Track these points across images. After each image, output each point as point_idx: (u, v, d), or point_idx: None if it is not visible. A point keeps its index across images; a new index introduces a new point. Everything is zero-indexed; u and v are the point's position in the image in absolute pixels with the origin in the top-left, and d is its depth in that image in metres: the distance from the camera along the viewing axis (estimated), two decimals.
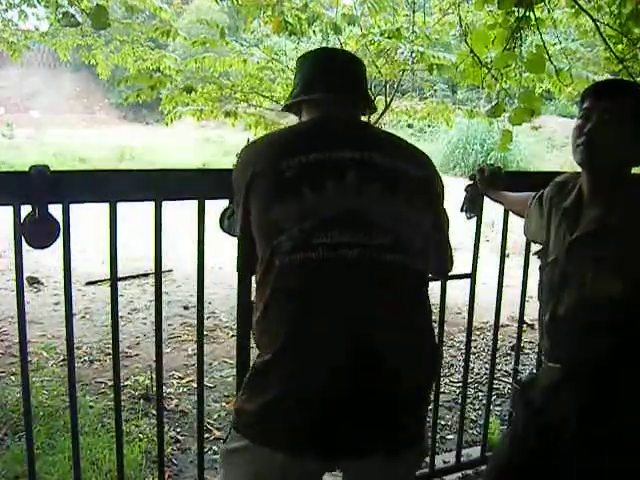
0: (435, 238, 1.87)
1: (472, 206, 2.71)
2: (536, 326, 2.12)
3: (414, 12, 6.46)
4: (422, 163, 1.84)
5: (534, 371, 2.18)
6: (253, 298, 1.77)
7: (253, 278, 1.84)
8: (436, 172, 1.87)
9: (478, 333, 6.00)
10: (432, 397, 1.83)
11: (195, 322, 2.47)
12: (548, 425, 1.95)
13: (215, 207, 2.25)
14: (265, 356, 1.64)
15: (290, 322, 1.61)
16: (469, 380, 4.23)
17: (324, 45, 7.09)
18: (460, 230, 2.98)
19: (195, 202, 2.22)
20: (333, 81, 1.86)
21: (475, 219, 2.76)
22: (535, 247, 2.76)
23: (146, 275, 7.52)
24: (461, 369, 4.66)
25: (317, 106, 1.87)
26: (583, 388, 1.88)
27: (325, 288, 1.62)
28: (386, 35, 6.39)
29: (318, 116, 1.87)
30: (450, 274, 2.41)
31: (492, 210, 2.88)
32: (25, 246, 1.97)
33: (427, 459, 3.22)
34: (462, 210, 2.71)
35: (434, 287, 2.71)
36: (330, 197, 1.65)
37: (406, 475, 1.86)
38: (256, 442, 1.63)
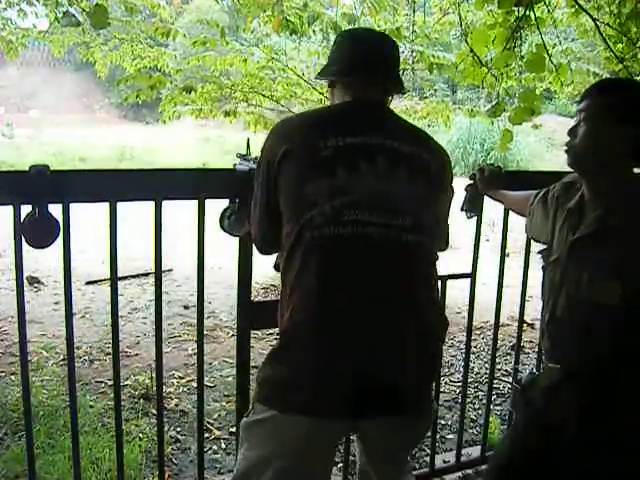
0: (443, 220, 2.04)
1: (472, 206, 2.71)
2: (536, 326, 2.13)
3: (414, 11, 6.45)
4: (439, 152, 1.98)
5: (534, 371, 2.18)
6: (280, 269, 1.87)
7: (275, 256, 1.97)
8: (449, 161, 2.02)
9: (478, 333, 6.00)
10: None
11: (195, 322, 2.47)
12: (548, 425, 1.95)
13: (215, 207, 2.25)
14: (290, 327, 1.75)
15: (316, 293, 1.72)
16: (469, 380, 4.23)
17: (326, 46, 7.07)
18: (460, 230, 2.98)
19: (195, 202, 2.22)
20: (368, 66, 1.94)
21: (475, 219, 2.76)
22: (535, 246, 2.77)
23: (146, 275, 7.52)
24: (461, 368, 4.66)
25: (350, 89, 1.96)
26: (583, 389, 1.88)
27: (351, 263, 1.74)
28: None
29: (351, 100, 1.95)
30: (450, 274, 2.43)
31: (492, 210, 2.88)
32: (25, 245, 1.97)
33: (427, 458, 3.23)
34: (462, 210, 2.71)
35: None
36: (361, 178, 1.77)
37: (417, 434, 2.03)
38: (283, 410, 1.73)
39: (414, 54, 6.31)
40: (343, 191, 1.74)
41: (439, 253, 1.99)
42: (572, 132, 1.87)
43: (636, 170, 1.89)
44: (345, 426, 1.90)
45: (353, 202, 1.74)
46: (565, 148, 1.89)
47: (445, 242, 2.11)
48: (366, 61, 1.95)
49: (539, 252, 2.18)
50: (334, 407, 1.70)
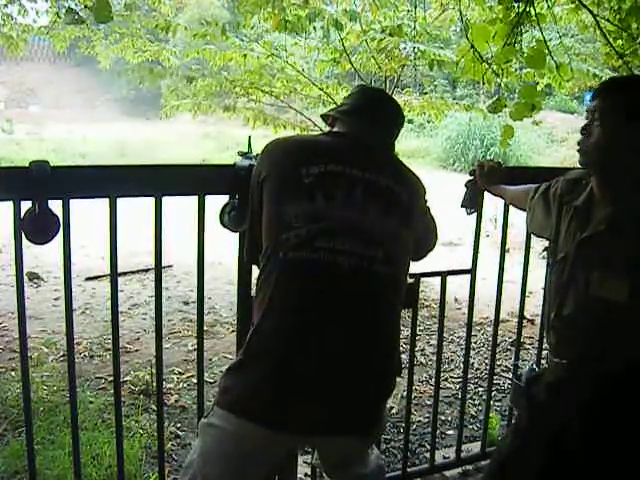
0: (421, 245, 2.20)
1: (472, 202, 2.70)
2: (536, 321, 2.12)
3: (415, 7, 6.44)
4: (414, 184, 2.10)
5: (534, 366, 2.18)
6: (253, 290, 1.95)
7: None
8: (422, 190, 2.14)
9: (478, 328, 6.00)
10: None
11: (195, 317, 2.47)
12: (551, 422, 1.95)
13: (215, 202, 2.25)
14: (255, 342, 1.82)
15: (285, 312, 1.81)
16: (469, 375, 4.23)
17: (326, 42, 7.06)
18: (460, 226, 2.98)
19: (195, 197, 2.22)
20: (371, 117, 2.09)
21: (475, 214, 2.76)
22: (535, 242, 2.78)
23: (146, 270, 7.51)
24: (461, 364, 4.66)
25: (346, 126, 2.10)
26: (587, 386, 1.87)
27: (320, 288, 1.81)
28: (387, 32, 6.38)
29: (343, 133, 2.09)
30: (450, 270, 2.45)
31: (492, 206, 2.88)
32: (25, 241, 1.97)
33: (427, 454, 3.23)
34: (462, 206, 2.71)
35: (435, 283, 2.71)
36: (338, 207, 1.85)
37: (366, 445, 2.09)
38: (239, 416, 1.78)
39: (415, 51, 6.30)
40: (320, 217, 1.83)
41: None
42: (585, 130, 1.86)
43: None
44: (296, 442, 2.04)
45: (328, 229, 1.82)
46: (578, 147, 1.88)
47: (425, 250, 2.28)
48: (369, 108, 2.11)
49: (544, 250, 2.18)
50: (289, 422, 1.76)
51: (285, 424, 1.76)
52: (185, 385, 4.62)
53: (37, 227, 1.94)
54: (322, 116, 2.28)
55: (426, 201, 2.18)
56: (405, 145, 20.10)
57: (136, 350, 5.30)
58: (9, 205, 1.94)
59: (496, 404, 4.31)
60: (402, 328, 2.20)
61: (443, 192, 5.59)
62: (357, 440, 1.95)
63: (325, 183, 1.87)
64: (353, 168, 1.91)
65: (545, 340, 2.17)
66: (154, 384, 2.70)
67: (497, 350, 3.17)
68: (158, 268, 2.27)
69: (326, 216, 1.83)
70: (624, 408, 1.81)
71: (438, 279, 2.78)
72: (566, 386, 1.94)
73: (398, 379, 1.99)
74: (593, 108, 1.85)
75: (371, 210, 1.88)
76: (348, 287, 1.82)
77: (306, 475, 2.93)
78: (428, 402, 4.47)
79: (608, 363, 1.83)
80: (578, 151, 1.89)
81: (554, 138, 22.40)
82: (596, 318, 1.83)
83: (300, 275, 1.82)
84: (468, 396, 4.29)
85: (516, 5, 3.77)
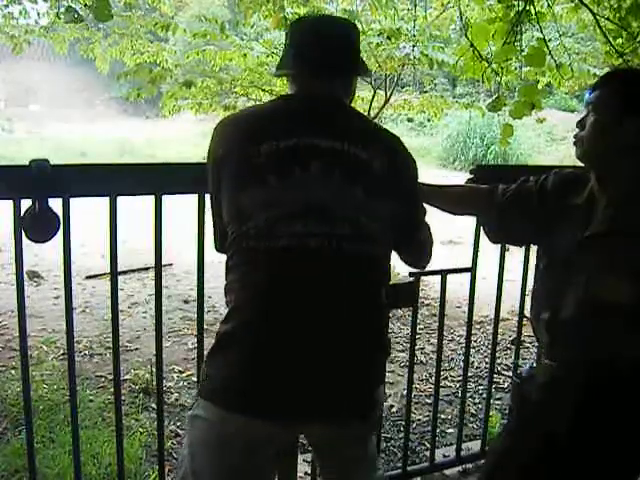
0: (407, 228, 1.91)
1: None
2: None
3: (415, 6, 6.44)
4: (390, 151, 1.83)
5: (534, 365, 2.16)
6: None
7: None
8: (406, 160, 1.88)
9: (478, 327, 6.00)
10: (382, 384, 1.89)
11: (195, 316, 2.47)
12: (544, 422, 1.94)
13: None
14: (229, 327, 1.72)
15: (255, 301, 1.70)
16: (469, 374, 4.23)
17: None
18: (460, 224, 2.98)
19: (195, 196, 2.22)
20: (317, 57, 1.81)
21: None
22: None
23: (146, 269, 7.51)
24: (461, 363, 4.66)
25: (296, 82, 1.87)
26: (581, 388, 1.86)
27: (288, 275, 1.69)
28: (386, 34, 6.38)
29: (294, 96, 1.88)
30: (450, 268, 2.39)
31: None
32: (25, 240, 1.97)
33: (427, 453, 3.23)
34: None
35: (435, 281, 2.71)
36: (295, 187, 1.69)
37: (359, 441, 1.96)
38: (219, 406, 1.71)
39: (415, 49, 6.30)
40: (276, 202, 1.69)
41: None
42: (580, 124, 1.83)
43: None
44: (280, 431, 1.79)
45: (287, 214, 1.68)
46: (574, 140, 1.86)
47: (425, 257, 2.05)
48: (315, 49, 1.82)
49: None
50: (264, 408, 1.67)
51: (260, 410, 1.67)
52: (185, 384, 4.63)
53: (37, 225, 1.93)
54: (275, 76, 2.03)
55: (415, 170, 1.92)
56: (406, 144, 20.10)
57: (136, 349, 5.31)
58: (9, 204, 1.95)
59: (496, 403, 4.30)
60: (402, 327, 2.19)
61: None
62: (340, 429, 1.82)
63: (278, 162, 1.70)
64: (311, 137, 1.72)
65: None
66: (154, 383, 2.70)
67: (497, 349, 3.17)
68: (158, 266, 2.27)
69: (283, 199, 1.68)
70: (620, 409, 1.79)
71: (438, 278, 2.78)
72: (561, 386, 1.92)
73: (398, 378, 1.96)
74: (590, 100, 1.82)
75: (332, 183, 1.70)
76: (317, 270, 1.68)
77: (306, 474, 2.93)
78: (428, 401, 4.47)
79: (607, 364, 1.81)
80: (574, 144, 1.85)
81: (554, 137, 22.43)
82: (598, 321, 1.79)
83: (266, 264, 1.69)
84: (468, 394, 4.29)
85: (516, 3, 3.77)
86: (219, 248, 1.93)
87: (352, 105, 1.99)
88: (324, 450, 2.01)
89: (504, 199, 2.11)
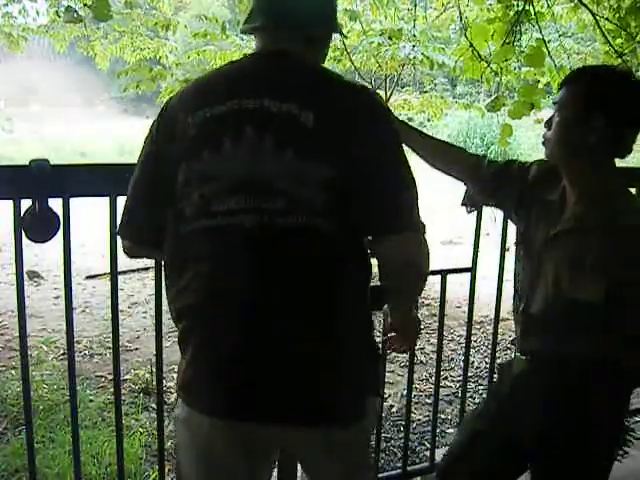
0: (376, 208, 1.54)
1: (472, 200, 2.70)
2: None
3: (416, 6, 6.44)
4: (341, 108, 1.54)
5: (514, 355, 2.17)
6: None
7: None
8: (372, 124, 1.55)
9: (478, 327, 6.00)
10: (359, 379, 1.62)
11: None
12: (511, 414, 1.97)
13: None
14: (184, 324, 1.65)
15: (198, 289, 1.56)
16: (469, 374, 4.23)
17: None
18: (460, 224, 2.98)
19: None
20: (275, 10, 1.63)
21: (475, 213, 2.75)
22: None
23: (146, 269, 7.50)
24: (461, 363, 4.66)
25: (256, 39, 1.70)
26: (545, 388, 1.88)
27: (226, 256, 1.53)
28: (387, 35, 6.39)
29: (252, 54, 1.72)
30: (450, 268, 2.37)
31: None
32: (25, 240, 1.97)
33: (427, 453, 3.23)
34: (462, 204, 2.70)
35: (435, 282, 2.72)
36: (227, 158, 1.51)
37: (333, 456, 1.69)
38: (187, 403, 1.64)
39: (416, 50, 6.30)
40: (211, 176, 1.51)
41: (431, 243, 1.62)
42: (547, 123, 1.83)
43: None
44: (249, 433, 1.60)
45: (221, 188, 1.50)
46: (542, 140, 1.86)
47: (401, 214, 1.55)
48: (271, 2, 1.65)
49: (515, 243, 2.14)
50: (222, 407, 1.56)
51: (219, 410, 1.56)
52: None
53: (37, 225, 1.93)
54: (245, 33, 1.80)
55: (389, 137, 1.59)
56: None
57: (136, 349, 5.31)
58: (9, 204, 1.94)
59: None
60: None
61: (443, 190, 5.58)
62: (306, 433, 1.61)
63: (211, 131, 1.53)
64: (246, 100, 1.52)
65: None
66: (154, 382, 2.70)
67: (497, 349, 3.17)
68: (158, 266, 2.27)
69: (217, 172, 1.51)
70: (585, 413, 1.80)
71: (438, 278, 2.77)
72: (529, 383, 1.94)
73: (398, 378, 1.93)
74: (556, 99, 1.82)
75: (263, 150, 1.49)
76: (256, 251, 1.50)
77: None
78: (428, 400, 4.47)
79: (574, 363, 1.82)
80: (543, 144, 1.85)
81: None
82: (566, 318, 1.79)
83: (204, 247, 1.54)
84: (468, 394, 4.29)
85: (516, 3, 3.78)
86: (122, 232, 1.77)
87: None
88: (303, 465, 1.85)
89: (490, 174, 2.09)
